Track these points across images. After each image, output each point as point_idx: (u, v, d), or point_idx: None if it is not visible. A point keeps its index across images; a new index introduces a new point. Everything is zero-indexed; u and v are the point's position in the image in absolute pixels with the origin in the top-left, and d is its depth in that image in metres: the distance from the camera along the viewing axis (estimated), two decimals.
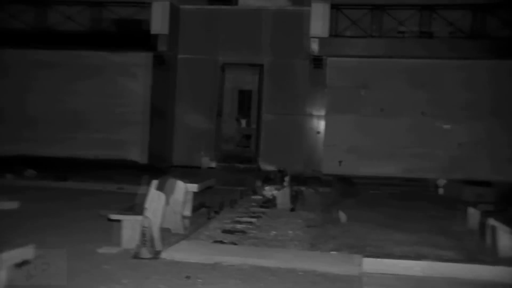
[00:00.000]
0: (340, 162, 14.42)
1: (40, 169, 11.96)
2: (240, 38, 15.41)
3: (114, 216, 5.81)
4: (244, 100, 17.25)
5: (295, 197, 9.55)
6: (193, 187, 7.28)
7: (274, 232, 6.89)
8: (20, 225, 6.64)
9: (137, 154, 14.85)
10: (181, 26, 15.33)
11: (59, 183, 10.64)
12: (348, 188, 12.05)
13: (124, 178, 11.06)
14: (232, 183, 11.59)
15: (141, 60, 14.72)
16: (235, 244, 6.10)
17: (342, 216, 7.88)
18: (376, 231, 7.14)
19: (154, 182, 6.12)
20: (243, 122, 17.66)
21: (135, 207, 5.99)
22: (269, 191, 9.71)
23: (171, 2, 14.60)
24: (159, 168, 13.96)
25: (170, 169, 14.48)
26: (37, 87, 14.59)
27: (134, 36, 14.58)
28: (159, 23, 14.39)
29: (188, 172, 14.06)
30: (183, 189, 6.76)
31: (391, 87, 14.32)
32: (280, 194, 9.13)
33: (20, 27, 14.38)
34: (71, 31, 14.39)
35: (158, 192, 5.87)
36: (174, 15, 14.94)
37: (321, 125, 14.58)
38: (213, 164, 15.60)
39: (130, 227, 5.68)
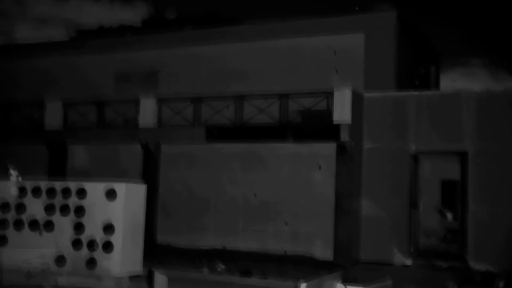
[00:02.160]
0: None
1: (227, 262, 12.36)
2: (436, 124, 13.79)
3: None
4: (448, 191, 15.20)
5: None
6: None
7: None
8: None
9: (321, 248, 14.24)
10: (366, 114, 14.52)
11: (244, 279, 10.79)
12: None
13: (303, 274, 10.53)
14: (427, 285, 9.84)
15: (324, 150, 14.35)
16: None
17: None
18: None
19: (303, 285, 5.46)
20: (449, 215, 15.46)
21: None
22: None
23: (354, 90, 13.99)
24: (341, 265, 13.10)
25: (353, 266, 13.44)
26: (227, 178, 15.50)
27: (318, 126, 14.37)
28: (341, 112, 13.89)
29: (372, 270, 12.84)
30: None
31: None
32: None
33: (221, 121, 15.68)
34: (262, 123, 15.02)
35: None
36: (357, 103, 14.25)
37: None
38: (408, 261, 13.89)
39: None
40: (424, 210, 14.91)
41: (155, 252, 13.26)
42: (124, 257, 8.09)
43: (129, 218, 8.22)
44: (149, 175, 15.97)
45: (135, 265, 8.27)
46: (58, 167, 16.78)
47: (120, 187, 8.19)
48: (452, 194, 15.01)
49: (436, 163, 14.54)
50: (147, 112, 16.13)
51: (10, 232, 8.51)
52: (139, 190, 8.59)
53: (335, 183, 14.12)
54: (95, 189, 8.27)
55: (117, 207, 8.09)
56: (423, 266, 13.73)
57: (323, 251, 14.16)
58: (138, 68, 19.07)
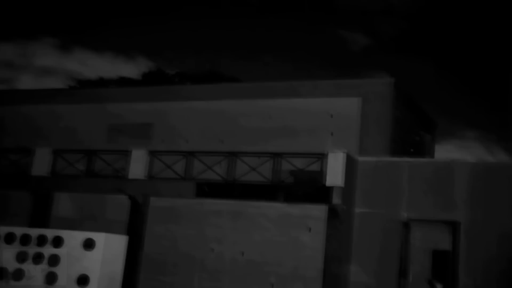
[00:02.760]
0: None
1: None
2: (428, 193, 13.68)
3: None
4: (439, 261, 14.81)
5: None
6: None
7: None
8: None
9: None
10: (359, 178, 14.39)
11: None
12: None
13: None
14: None
15: (315, 212, 14.04)
16: None
17: None
18: None
19: None
20: (439, 286, 14.99)
21: None
22: None
23: (347, 154, 13.92)
24: None
25: None
26: (215, 236, 15.06)
27: (310, 187, 14.18)
28: (334, 174, 13.74)
29: None
30: None
31: None
32: None
33: (213, 177, 15.44)
34: (254, 182, 14.80)
35: None
36: (351, 166, 14.15)
37: None
38: None
39: None
40: (414, 280, 14.46)
41: None
42: None
43: (106, 270, 7.86)
44: (135, 228, 15.53)
45: None
46: (41, 215, 16.31)
47: (99, 237, 7.88)
48: (443, 265, 14.64)
49: (427, 232, 14.25)
50: (138, 163, 15.94)
51: None
52: (119, 242, 8.28)
53: (325, 246, 13.73)
54: (73, 238, 7.95)
55: (95, 258, 7.75)
56: None
57: None
58: (132, 120, 19.04)
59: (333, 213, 13.69)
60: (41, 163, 16.92)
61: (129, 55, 64.11)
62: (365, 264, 14.13)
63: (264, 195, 14.59)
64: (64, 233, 8.11)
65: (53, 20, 53.35)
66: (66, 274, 7.83)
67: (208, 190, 14.87)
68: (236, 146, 16.13)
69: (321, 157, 14.17)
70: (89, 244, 7.80)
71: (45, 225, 15.44)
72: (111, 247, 8.09)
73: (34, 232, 8.19)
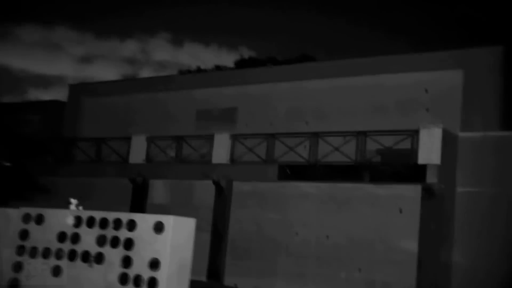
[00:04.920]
0: None
1: None
2: None
3: None
4: None
5: None
6: None
7: None
8: None
9: None
10: (461, 155, 13.14)
11: None
12: None
13: None
14: None
15: (407, 192, 13.08)
16: None
17: None
18: None
19: None
20: None
21: None
22: None
23: (444, 129, 12.72)
24: None
25: None
26: (299, 219, 14.57)
27: (400, 166, 13.21)
28: (428, 152, 12.64)
29: None
30: None
31: None
32: None
33: (295, 159, 14.92)
34: (338, 162, 14.08)
35: None
36: (449, 142, 12.94)
37: None
38: None
39: None
40: None
41: None
42: None
43: (175, 254, 7.68)
44: (220, 213, 15.53)
45: None
46: (139, 202, 16.82)
47: (168, 220, 7.72)
48: None
49: None
50: (221, 148, 15.85)
51: (65, 263, 8.29)
52: (188, 225, 8.05)
53: (419, 229, 12.75)
54: (145, 222, 7.87)
55: (164, 241, 7.60)
56: None
57: None
58: (218, 105, 19.08)
59: (428, 192, 12.63)
60: (137, 151, 17.41)
61: (232, 46, 66.81)
62: (470, 248, 12.93)
63: (349, 176, 13.83)
64: (137, 216, 8.03)
65: (164, 14, 56.36)
66: (140, 258, 7.76)
67: (291, 172, 14.40)
68: (321, 127, 15.49)
69: (412, 134, 13.11)
70: (159, 228, 7.65)
71: (142, 212, 15.88)
72: (180, 230, 7.90)
73: (111, 215, 8.19)
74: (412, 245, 12.77)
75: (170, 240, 7.65)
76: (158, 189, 17.33)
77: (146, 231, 7.79)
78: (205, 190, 15.93)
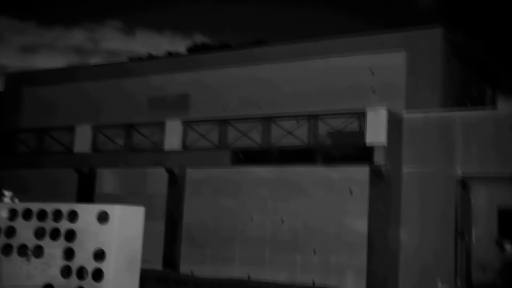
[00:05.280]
0: None
1: None
2: (487, 146, 12.48)
3: None
4: (506, 220, 13.79)
5: None
6: None
7: None
8: None
9: (353, 281, 13.03)
10: (405, 136, 13.40)
11: None
12: None
13: None
14: None
15: (357, 175, 13.25)
16: None
17: None
18: None
19: None
20: (508, 247, 13.94)
21: None
22: None
23: (390, 110, 12.92)
24: None
25: None
26: (254, 205, 14.55)
27: (349, 148, 13.35)
28: (374, 133, 12.81)
29: None
30: None
31: None
32: None
33: (248, 144, 14.85)
34: (290, 146, 14.11)
35: None
36: (395, 123, 13.16)
37: None
38: None
39: None
40: (477, 241, 13.49)
41: (168, 283, 12.50)
42: (116, 287, 7.31)
43: (123, 244, 7.48)
44: (174, 201, 15.35)
45: None
46: (86, 192, 16.43)
47: (113, 210, 7.50)
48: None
49: (491, 190, 13.17)
50: (173, 134, 15.61)
51: None
52: (137, 213, 7.85)
53: (369, 210, 12.96)
54: (87, 212, 7.62)
55: (109, 231, 7.38)
56: None
57: (356, 284, 12.94)
58: (170, 92, 18.77)
59: (376, 174, 12.84)
60: (82, 140, 16.95)
61: (187, 33, 65.60)
62: (417, 228, 13.26)
63: (302, 160, 13.89)
64: (79, 207, 7.74)
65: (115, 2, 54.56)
66: (83, 249, 7.49)
67: (244, 157, 14.34)
68: (273, 111, 15.46)
69: (360, 115, 13.25)
70: (103, 217, 7.41)
71: (90, 201, 15.54)
72: (127, 220, 7.66)
73: (50, 207, 7.86)
74: (363, 226, 12.97)
75: (116, 230, 7.44)
76: (108, 179, 16.96)
77: (89, 221, 7.54)
78: (158, 178, 15.70)
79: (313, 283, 13.19)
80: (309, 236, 13.71)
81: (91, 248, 7.42)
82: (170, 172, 15.37)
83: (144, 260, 14.00)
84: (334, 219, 13.48)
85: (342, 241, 13.30)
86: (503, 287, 13.52)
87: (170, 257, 14.84)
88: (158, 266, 14.58)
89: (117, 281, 7.33)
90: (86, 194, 16.54)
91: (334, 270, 13.30)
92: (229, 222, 14.68)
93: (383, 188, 12.86)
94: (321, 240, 13.55)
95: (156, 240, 14.80)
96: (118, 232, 7.44)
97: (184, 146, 15.55)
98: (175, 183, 15.32)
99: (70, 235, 7.59)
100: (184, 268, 14.80)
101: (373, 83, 15.65)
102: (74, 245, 7.55)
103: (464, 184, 13.11)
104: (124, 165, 16.42)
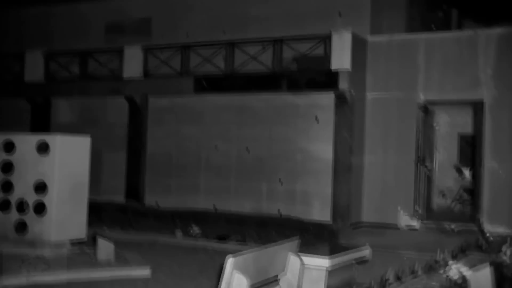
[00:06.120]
0: None
1: (211, 226, 11.39)
2: (449, 70, 12.15)
3: None
4: (465, 146, 13.82)
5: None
6: (322, 262, 5.17)
7: None
8: None
9: (319, 210, 12.99)
10: (369, 61, 12.96)
11: (219, 243, 9.87)
12: None
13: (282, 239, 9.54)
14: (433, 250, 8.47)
15: (322, 101, 12.89)
16: None
17: None
18: None
19: (230, 261, 3.97)
20: (466, 172, 14.04)
21: None
22: (457, 270, 6.48)
23: (354, 34, 12.36)
24: (336, 228, 11.96)
25: (350, 229, 12.31)
26: (218, 133, 14.18)
27: (314, 73, 12.89)
28: (339, 57, 12.32)
29: (372, 234, 11.74)
30: (298, 266, 4.82)
31: None
32: (476, 277, 5.47)
33: (212, 70, 14.26)
34: (255, 72, 13.56)
35: (239, 275, 3.93)
36: (359, 48, 12.66)
37: None
38: (415, 223, 12.67)
39: None
40: (439, 167, 13.49)
41: (127, 215, 12.29)
42: (61, 221, 6.99)
43: (66, 176, 7.08)
44: (136, 130, 14.86)
45: (77, 230, 7.19)
46: (41, 122, 15.77)
47: (53, 140, 7.03)
48: (471, 150, 13.56)
49: (453, 116, 13.01)
50: (132, 61, 14.84)
51: None
52: (82, 143, 7.41)
53: (334, 136, 12.72)
54: (26, 143, 7.13)
55: (50, 162, 6.95)
56: (432, 229, 12.42)
57: (321, 212, 12.91)
58: (130, 16, 17.69)
59: (340, 99, 12.48)
60: (33, 68, 16.04)
61: None
62: (381, 154, 13.14)
63: (267, 86, 13.40)
64: (16, 137, 7.23)
65: None
66: (22, 182, 7.06)
67: (207, 84, 13.76)
68: (238, 35, 14.73)
69: (326, 39, 12.68)
70: (43, 148, 6.93)
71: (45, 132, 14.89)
72: (70, 150, 7.21)
73: None
74: (328, 153, 12.77)
75: (57, 161, 7.01)
76: (64, 108, 16.26)
77: (28, 152, 7.08)
78: (118, 108, 15.10)
79: (280, 215, 13.10)
80: (275, 164, 13.50)
81: (31, 181, 7.01)
82: (130, 100, 14.76)
83: (104, 192, 13.70)
84: (300, 146, 13.24)
85: (307, 168, 13.13)
86: (459, 213, 13.75)
87: (134, 189, 14.56)
88: (120, 198, 14.32)
89: (61, 214, 7.00)
90: (41, 126, 15.84)
91: (299, 198, 13.22)
92: (194, 151, 14.35)
93: (347, 114, 12.57)
94: (286, 168, 13.37)
95: (118, 171, 14.44)
96: (60, 162, 7.02)
97: (146, 73, 14.84)
98: (136, 112, 14.76)
99: (8, 167, 7.14)
100: (149, 199, 14.58)
101: (339, 5, 14.93)
102: (13, 178, 7.13)
103: (426, 109, 12.89)
104: (80, 94, 15.69)
